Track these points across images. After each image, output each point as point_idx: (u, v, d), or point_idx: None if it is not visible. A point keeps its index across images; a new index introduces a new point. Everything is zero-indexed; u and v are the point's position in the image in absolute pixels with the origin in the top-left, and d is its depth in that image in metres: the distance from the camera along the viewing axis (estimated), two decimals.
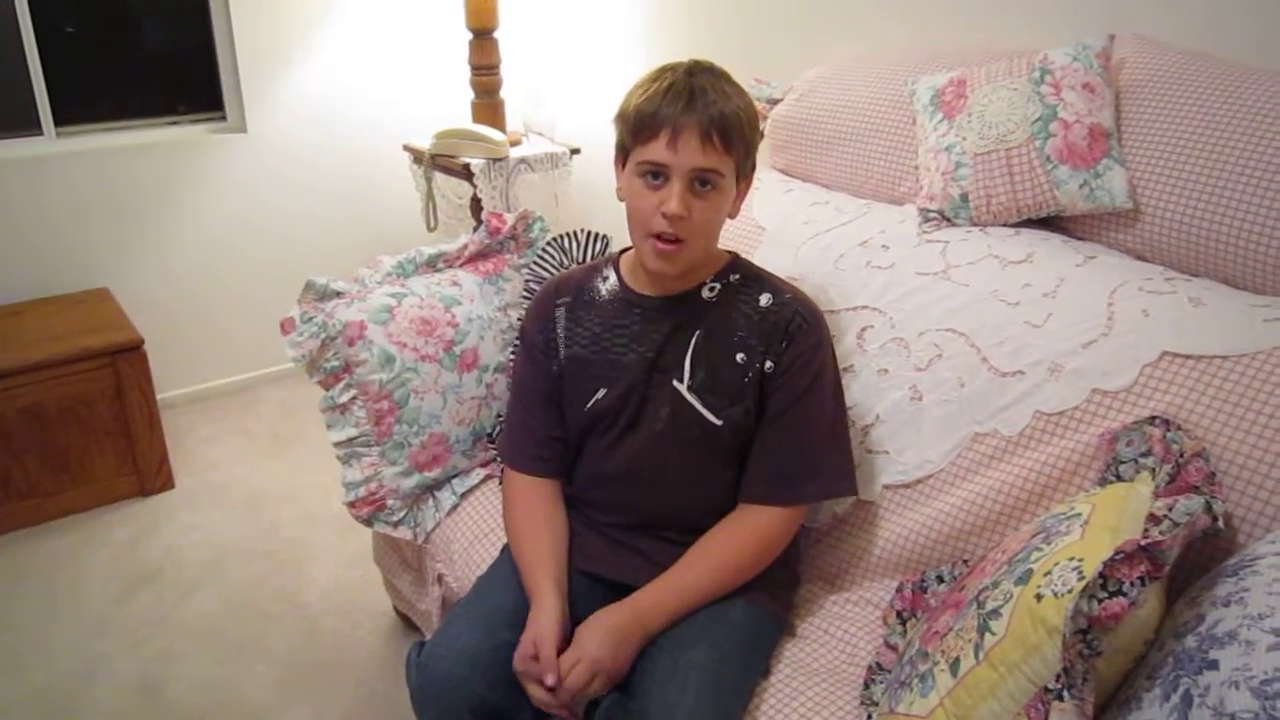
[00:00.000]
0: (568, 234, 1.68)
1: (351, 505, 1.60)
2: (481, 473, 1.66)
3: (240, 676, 1.83)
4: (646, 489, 1.30)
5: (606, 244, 1.67)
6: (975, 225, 1.54)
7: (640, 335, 1.32)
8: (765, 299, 1.31)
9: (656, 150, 1.19)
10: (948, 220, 1.56)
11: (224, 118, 2.78)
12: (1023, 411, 1.29)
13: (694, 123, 1.17)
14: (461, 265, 1.71)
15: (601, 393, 1.32)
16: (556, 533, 1.31)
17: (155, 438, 2.37)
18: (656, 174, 1.21)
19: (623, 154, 1.27)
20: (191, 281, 2.81)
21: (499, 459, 1.65)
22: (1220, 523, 0.96)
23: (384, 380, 1.55)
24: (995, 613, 0.93)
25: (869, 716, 1.13)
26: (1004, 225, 1.53)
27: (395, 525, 1.62)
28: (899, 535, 1.35)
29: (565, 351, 1.36)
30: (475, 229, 2.65)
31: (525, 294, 1.68)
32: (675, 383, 1.29)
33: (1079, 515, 1.02)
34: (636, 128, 1.21)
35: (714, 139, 1.17)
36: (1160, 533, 0.90)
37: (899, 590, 1.32)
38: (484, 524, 1.57)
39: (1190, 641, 0.82)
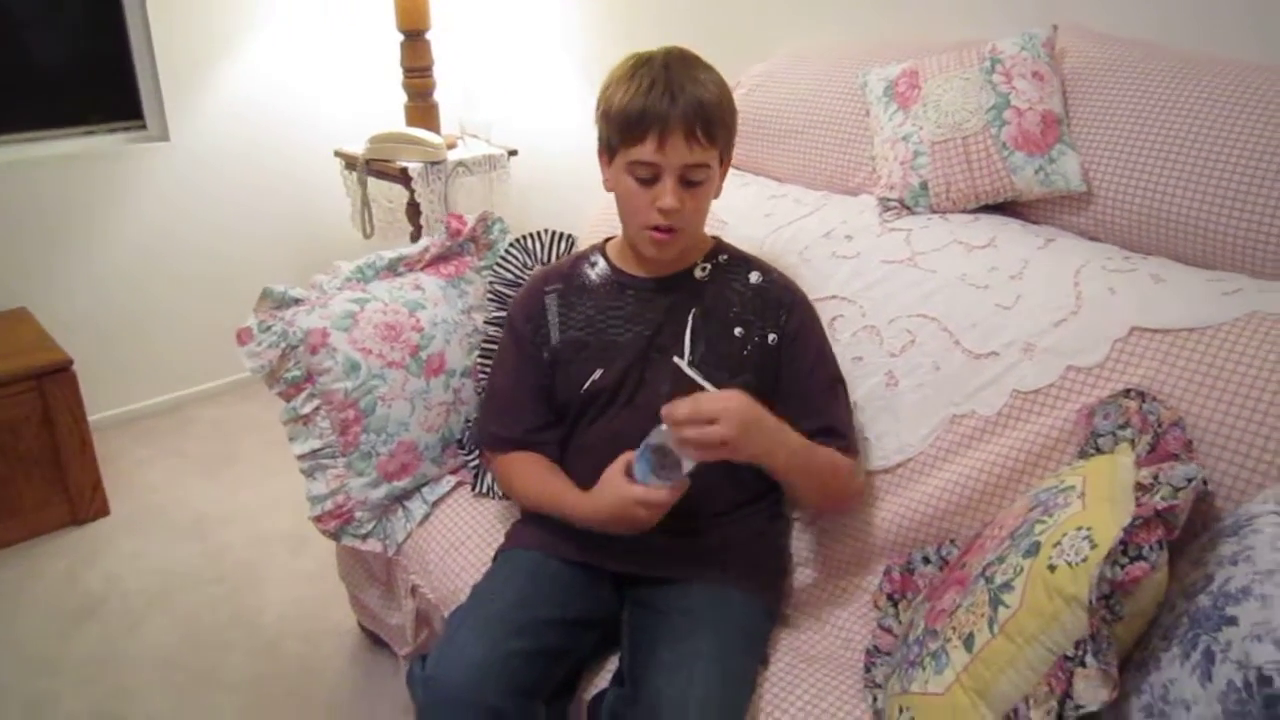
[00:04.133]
0: (531, 235, 1.66)
1: (318, 519, 1.54)
2: (452, 480, 1.63)
3: (202, 709, 1.75)
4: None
5: (572, 244, 1.66)
6: (935, 212, 1.57)
7: (636, 315, 1.35)
8: (755, 277, 1.39)
9: (645, 151, 1.22)
10: (908, 208, 1.59)
11: (144, 126, 2.66)
12: (999, 391, 1.32)
13: (678, 121, 1.20)
14: (423, 269, 1.67)
15: (598, 373, 1.34)
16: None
17: (87, 463, 2.25)
18: (647, 173, 1.23)
19: (609, 151, 1.29)
20: (116, 298, 2.69)
21: (469, 459, 1.61)
22: (1207, 486, 1.00)
23: (349, 389, 1.51)
24: (1007, 586, 0.95)
25: (874, 698, 1.15)
26: (963, 211, 1.57)
27: (364, 538, 1.57)
28: (883, 520, 1.37)
29: (560, 336, 1.37)
30: (415, 234, 2.64)
31: (490, 296, 1.65)
32: (675, 359, 1.31)
33: (1072, 488, 1.05)
34: (622, 129, 1.23)
35: (699, 135, 1.21)
36: (1162, 499, 0.93)
37: (886, 573, 1.34)
38: (458, 532, 1.54)
39: (1204, 600, 0.85)
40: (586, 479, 1.31)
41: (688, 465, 1.14)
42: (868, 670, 1.20)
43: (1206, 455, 1.14)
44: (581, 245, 1.67)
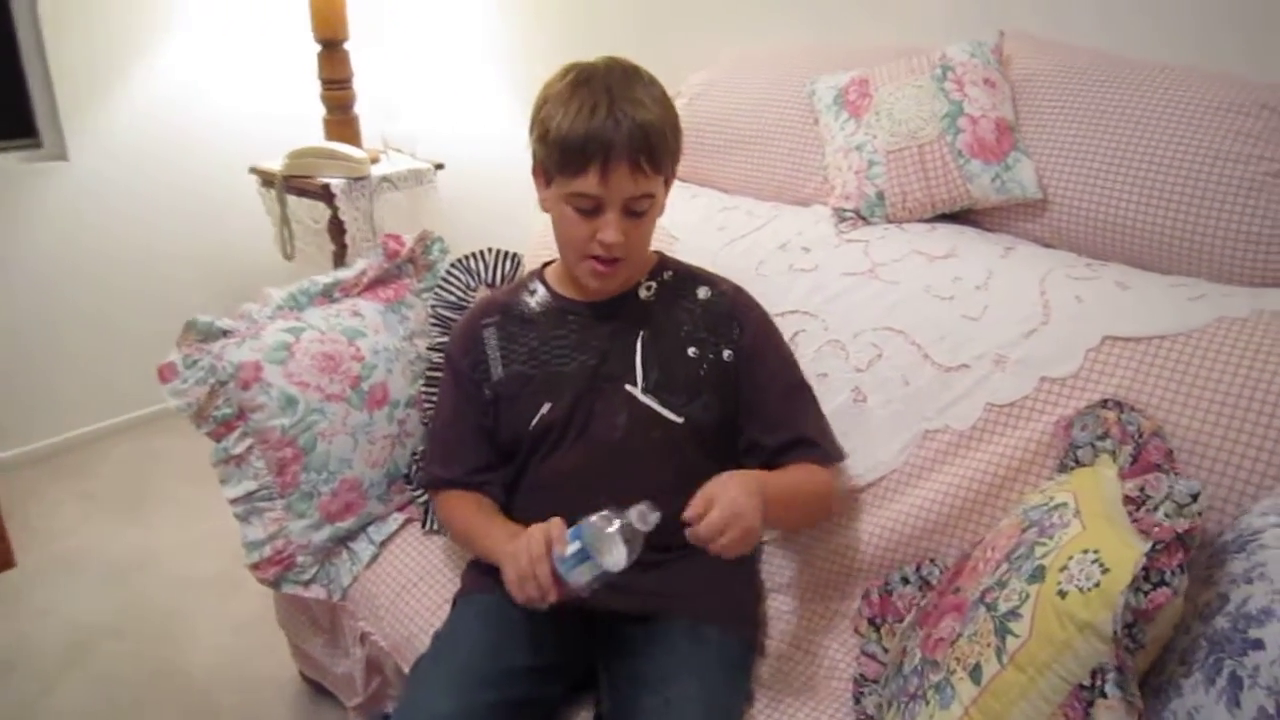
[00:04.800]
0: (474, 255, 1.58)
1: (256, 567, 1.43)
2: (400, 518, 1.53)
3: None
4: (605, 500, 1.20)
5: (518, 263, 1.58)
6: (891, 222, 1.55)
7: (580, 343, 1.28)
8: (703, 292, 1.32)
9: (587, 184, 1.14)
10: (863, 219, 1.56)
11: (39, 145, 2.47)
12: (972, 405, 1.29)
13: (623, 152, 1.12)
14: (360, 293, 1.57)
15: (546, 407, 1.26)
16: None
17: None
18: (589, 205, 1.16)
19: (545, 175, 1.21)
20: (13, 329, 2.48)
21: (417, 495, 1.52)
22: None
23: (286, 425, 1.40)
24: (1013, 614, 0.91)
25: None
26: (919, 221, 1.54)
27: (306, 584, 1.46)
28: (857, 540, 1.33)
29: (502, 371, 1.29)
30: (339, 255, 2.52)
31: (433, 320, 1.56)
32: (628, 387, 1.24)
33: (1065, 505, 1.02)
34: (563, 159, 1.15)
35: (644, 165, 1.14)
36: (1165, 516, 0.90)
37: (865, 596, 1.30)
38: (409, 573, 1.44)
39: (1222, 622, 0.82)
40: (541, 518, 1.24)
41: (617, 567, 1.01)
42: (857, 701, 1.15)
43: (1185, 464, 1.13)
44: (528, 265, 1.59)
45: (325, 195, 2.39)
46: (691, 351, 1.26)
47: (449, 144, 2.66)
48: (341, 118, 2.54)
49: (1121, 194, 1.39)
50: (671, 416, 1.23)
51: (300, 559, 1.45)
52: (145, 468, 2.53)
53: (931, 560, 1.27)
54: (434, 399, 1.51)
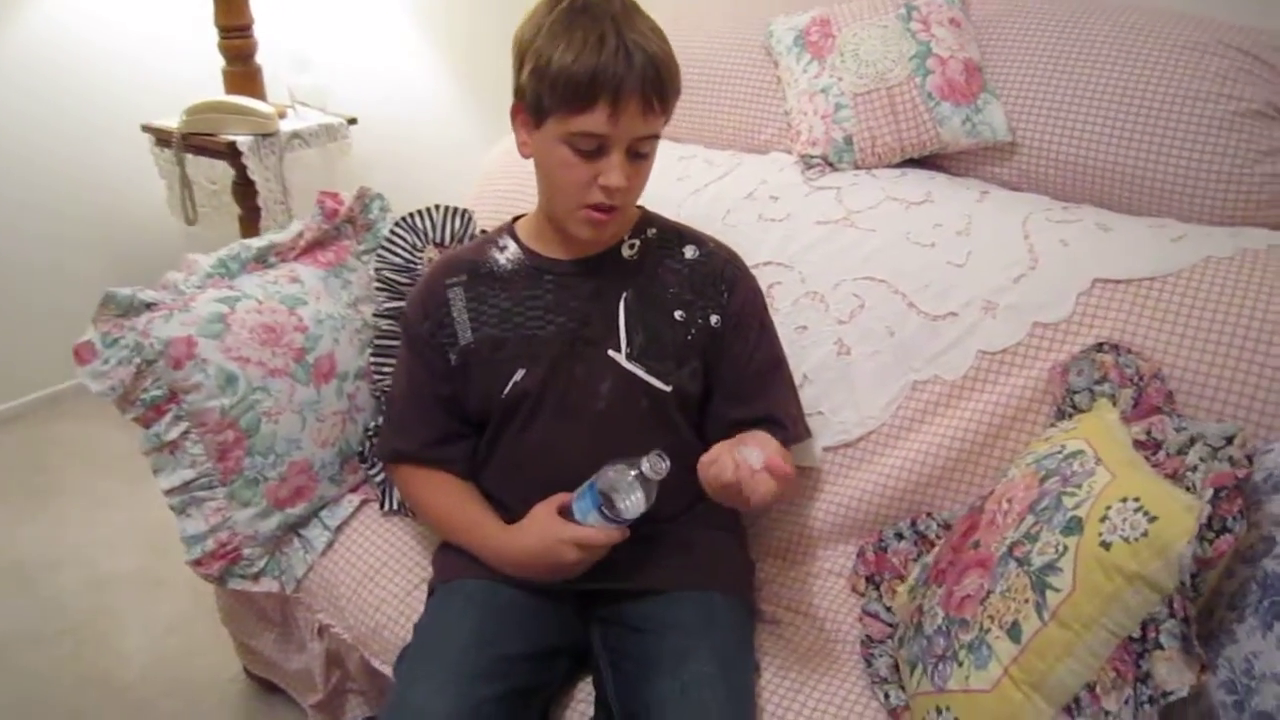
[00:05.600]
0: (420, 212, 1.46)
1: (198, 563, 1.30)
2: (355, 499, 1.42)
3: None
4: (587, 476, 1.12)
5: (468, 220, 1.47)
6: (859, 168, 1.50)
7: (557, 305, 1.18)
8: (690, 251, 1.23)
9: (594, 122, 1.03)
10: (830, 165, 1.51)
11: None
12: (963, 354, 1.26)
13: (634, 87, 1.01)
14: (297, 257, 1.44)
15: (520, 373, 1.16)
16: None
17: None
18: (591, 144, 1.05)
19: (536, 114, 1.08)
20: None
21: (373, 473, 1.41)
22: None
23: (226, 406, 1.27)
24: (1051, 568, 0.88)
25: (886, 695, 1.06)
26: (887, 166, 1.50)
27: (255, 578, 1.34)
28: (848, 498, 1.29)
29: (471, 335, 1.19)
30: (248, 218, 2.33)
31: (378, 285, 1.44)
32: (611, 353, 1.15)
33: (1081, 453, 0.99)
34: (567, 94, 1.02)
35: (654, 102, 1.04)
36: (1201, 460, 0.89)
37: (860, 555, 1.26)
38: (370, 559, 1.34)
39: (1272, 565, 0.81)
40: (516, 498, 1.16)
41: (634, 513, 1.01)
42: (869, 664, 1.11)
43: (1184, 405, 1.12)
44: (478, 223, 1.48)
45: (230, 154, 2.20)
46: (678, 315, 1.18)
47: (362, 98, 2.48)
48: (242, 69, 2.34)
49: (1090, 135, 1.37)
50: (659, 385, 1.15)
51: (247, 551, 1.32)
52: (44, 456, 2.31)
53: (929, 514, 1.24)
54: (385, 369, 1.40)
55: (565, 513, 1.07)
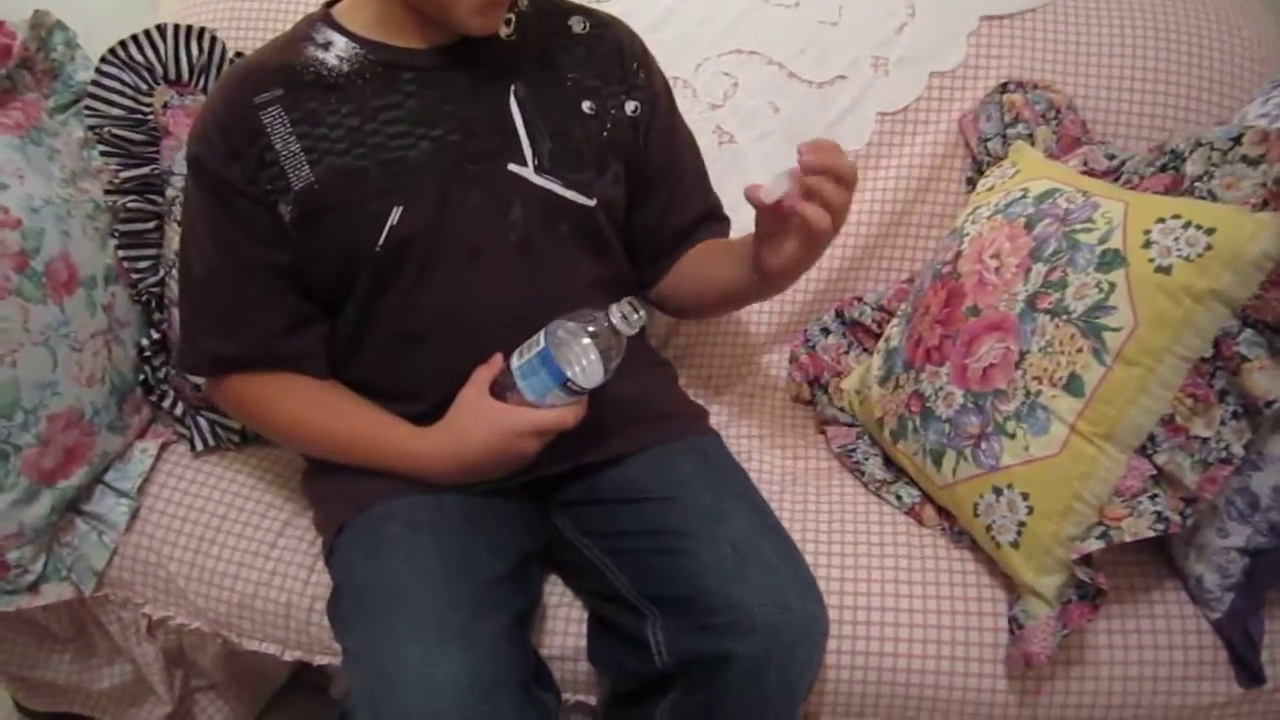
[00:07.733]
0: (132, 40, 1.04)
1: None
2: (150, 446, 1.04)
3: None
4: (513, 333, 0.84)
5: (214, 43, 1.07)
6: None
7: (426, 112, 0.86)
8: (578, 23, 0.95)
9: None
10: None
11: None
12: (861, 119, 1.15)
13: None
14: None
15: (397, 214, 0.85)
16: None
17: None
18: None
19: None
20: None
21: (171, 405, 1.04)
22: None
23: None
24: (1101, 308, 0.81)
25: (898, 497, 0.98)
26: None
27: (34, 588, 0.96)
28: (761, 304, 1.16)
29: (310, 171, 0.84)
30: None
31: (104, 149, 1.02)
32: (514, 167, 0.88)
33: (1058, 190, 0.93)
34: None
35: None
36: (1198, 170, 0.84)
37: (793, 361, 1.15)
38: (203, 516, 1.00)
39: None
40: (408, 385, 0.90)
41: (598, 380, 0.80)
42: (860, 473, 1.01)
43: (1101, 132, 1.10)
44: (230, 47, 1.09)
45: None
46: (587, 106, 0.92)
47: None
48: None
49: None
50: (580, 199, 0.90)
51: (12, 555, 0.93)
52: None
53: (858, 299, 1.14)
54: (145, 260, 1.02)
55: (499, 392, 0.83)
